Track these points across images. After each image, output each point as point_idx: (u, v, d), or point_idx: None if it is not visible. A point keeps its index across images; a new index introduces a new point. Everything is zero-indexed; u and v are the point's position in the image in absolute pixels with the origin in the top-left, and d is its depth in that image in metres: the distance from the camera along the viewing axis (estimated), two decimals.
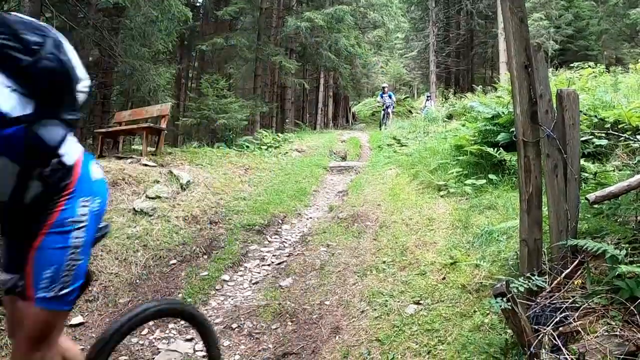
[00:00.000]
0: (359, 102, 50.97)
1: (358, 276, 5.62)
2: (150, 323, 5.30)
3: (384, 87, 27.83)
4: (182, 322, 5.31)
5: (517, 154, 3.71)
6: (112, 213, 7.42)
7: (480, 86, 23.71)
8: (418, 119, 21.79)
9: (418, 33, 42.59)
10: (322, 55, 27.03)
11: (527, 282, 3.32)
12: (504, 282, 3.03)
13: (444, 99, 27.89)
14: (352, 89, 37.54)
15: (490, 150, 7.38)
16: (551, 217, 3.74)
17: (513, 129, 7.06)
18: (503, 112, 7.84)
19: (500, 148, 7.34)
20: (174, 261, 6.73)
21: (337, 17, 24.21)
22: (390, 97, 26.54)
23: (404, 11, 42.79)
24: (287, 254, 6.97)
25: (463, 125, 11.19)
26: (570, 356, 2.93)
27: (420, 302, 4.63)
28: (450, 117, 19.44)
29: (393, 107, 27.13)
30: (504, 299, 2.96)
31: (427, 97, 30.35)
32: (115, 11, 16.75)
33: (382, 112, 26.84)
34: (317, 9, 25.09)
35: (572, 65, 17.14)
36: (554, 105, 3.78)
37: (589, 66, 14.07)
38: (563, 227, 3.70)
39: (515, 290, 3.16)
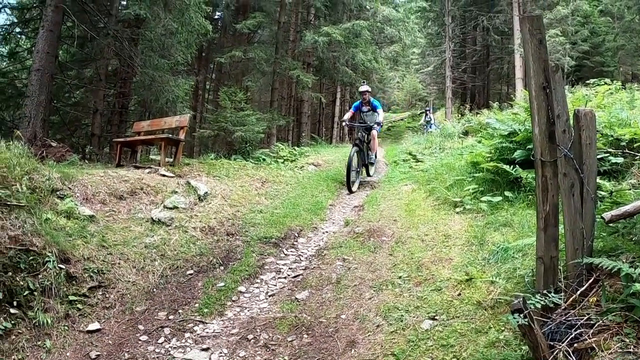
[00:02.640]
0: None
1: (374, 291, 5.64)
2: (167, 331, 5.38)
3: (363, 92, 13.73)
4: (199, 331, 5.39)
5: (535, 173, 3.75)
6: (130, 222, 7.51)
7: (497, 102, 23.62)
8: (434, 134, 21.64)
9: (434, 48, 42.56)
10: (339, 70, 27.17)
11: (543, 298, 3.36)
12: (522, 299, 3.07)
13: (459, 115, 27.72)
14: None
15: (506, 167, 7.38)
16: (567, 235, 3.77)
17: (530, 147, 7.13)
18: (519, 130, 7.84)
19: (517, 165, 7.33)
20: (190, 271, 6.79)
21: (355, 32, 24.33)
22: (375, 108, 13.55)
23: (421, 27, 42.95)
24: (304, 267, 7.00)
25: (479, 142, 11.20)
26: None
27: (436, 317, 4.65)
28: (466, 133, 19.41)
29: (379, 128, 13.73)
30: (521, 315, 3.00)
31: (426, 110, 30.04)
32: (135, 22, 16.98)
33: (357, 140, 13.09)
34: (335, 24, 25.25)
35: (588, 82, 17.11)
36: (571, 125, 3.82)
37: (605, 83, 14.03)
38: (579, 245, 3.73)
39: (532, 307, 3.20)
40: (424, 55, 47.39)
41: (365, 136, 13.41)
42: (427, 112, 29.39)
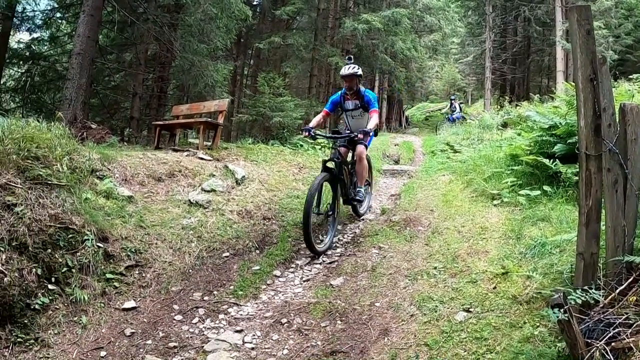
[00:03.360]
0: (413, 106, 50.75)
1: (409, 280, 5.63)
2: (201, 312, 5.44)
3: (347, 77, 7.87)
4: (233, 313, 5.44)
5: (579, 166, 3.69)
6: (168, 204, 7.62)
7: (537, 95, 23.24)
8: (473, 125, 21.35)
9: (474, 38, 42.12)
10: (378, 58, 27.05)
11: (584, 294, 3.32)
12: (562, 294, 3.04)
13: (499, 107, 27.35)
14: (407, 92, 37.46)
15: (546, 161, 7.27)
16: (608, 232, 3.71)
17: (570, 141, 7.02)
18: (560, 123, 7.71)
19: (557, 159, 7.23)
20: (226, 254, 6.87)
21: (395, 19, 24.16)
22: (368, 104, 8.05)
23: (461, 16, 42.49)
24: (339, 254, 7.03)
25: (518, 135, 11.07)
26: None
27: (470, 309, 4.63)
28: (505, 125, 19.15)
29: (370, 142, 8.47)
30: (561, 310, 2.97)
31: (451, 100, 29.17)
32: (175, 7, 17.13)
33: (330, 161, 7.54)
34: (374, 11, 25.11)
35: (631, 76, 16.74)
36: (617, 119, 3.75)
37: None
38: (620, 242, 3.67)
39: (573, 302, 3.17)
40: (464, 45, 46.93)
41: (347, 154, 8.26)
42: (452, 101, 28.69)
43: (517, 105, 24.81)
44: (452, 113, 27.72)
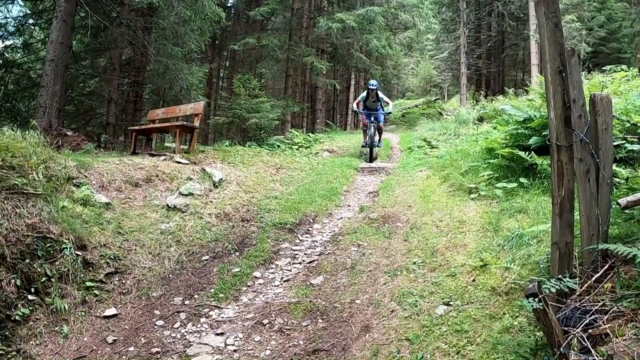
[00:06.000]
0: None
1: (388, 276, 5.65)
2: (183, 316, 5.43)
3: None
4: (214, 316, 5.44)
5: (551, 157, 3.72)
6: (146, 209, 7.58)
7: (512, 89, 23.34)
8: (449, 120, 21.38)
9: (449, 34, 42.14)
10: (353, 56, 27.04)
11: (558, 283, 3.35)
12: (536, 283, 3.06)
13: (474, 101, 27.44)
14: (383, 90, 37.48)
15: (521, 153, 7.33)
16: (582, 221, 3.75)
17: (545, 133, 7.07)
18: (535, 116, 7.77)
19: (532, 152, 7.28)
20: (206, 257, 6.85)
21: (369, 18, 24.12)
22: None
23: (435, 12, 42.50)
24: (318, 253, 7.02)
25: (494, 128, 11.14)
26: (599, 358, 2.96)
27: (450, 303, 4.66)
28: (481, 119, 19.24)
29: None
30: (536, 299, 3.00)
31: (372, 87, 15.68)
32: (148, 11, 17.00)
33: None
34: (349, 10, 25.07)
35: (604, 68, 16.88)
36: (587, 110, 3.79)
37: (622, 69, 13.84)
38: (594, 231, 3.71)
39: (547, 291, 3.19)
40: (439, 42, 46.97)
41: None
42: (373, 89, 15.18)
43: (492, 99, 24.93)
44: (372, 110, 16.59)
